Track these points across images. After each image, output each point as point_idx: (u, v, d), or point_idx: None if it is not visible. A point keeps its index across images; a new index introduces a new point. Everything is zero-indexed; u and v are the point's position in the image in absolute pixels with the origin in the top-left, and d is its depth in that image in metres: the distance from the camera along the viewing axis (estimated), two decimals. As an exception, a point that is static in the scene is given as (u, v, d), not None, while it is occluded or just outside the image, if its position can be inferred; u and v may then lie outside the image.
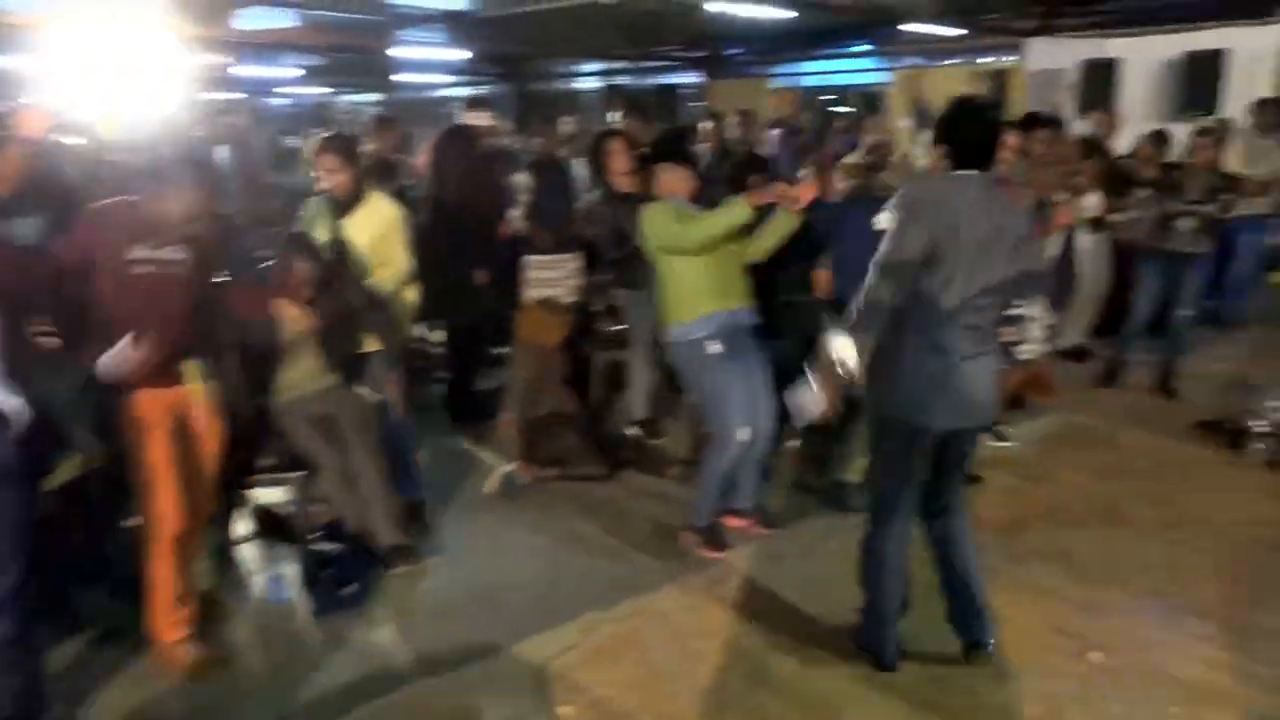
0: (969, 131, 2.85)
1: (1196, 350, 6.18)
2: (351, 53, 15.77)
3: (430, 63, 16.02)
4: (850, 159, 5.59)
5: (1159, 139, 6.92)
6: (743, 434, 3.77)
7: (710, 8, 9.75)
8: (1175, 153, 6.93)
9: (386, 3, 11.63)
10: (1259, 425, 4.79)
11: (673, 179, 3.89)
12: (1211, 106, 9.93)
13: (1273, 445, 4.75)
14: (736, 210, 3.62)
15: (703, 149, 7.57)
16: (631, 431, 5.15)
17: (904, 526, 3.02)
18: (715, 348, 3.75)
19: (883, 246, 2.74)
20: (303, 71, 17.69)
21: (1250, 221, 7.18)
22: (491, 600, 3.60)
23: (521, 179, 5.89)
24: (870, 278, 2.75)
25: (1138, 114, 10.41)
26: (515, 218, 5.87)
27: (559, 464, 4.71)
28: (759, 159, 5.46)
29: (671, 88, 16.37)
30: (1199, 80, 10.24)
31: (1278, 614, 3.37)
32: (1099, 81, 10.96)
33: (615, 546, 4.01)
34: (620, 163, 4.76)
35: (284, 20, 12.74)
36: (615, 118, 6.86)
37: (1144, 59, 11.21)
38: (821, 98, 15.44)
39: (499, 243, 5.55)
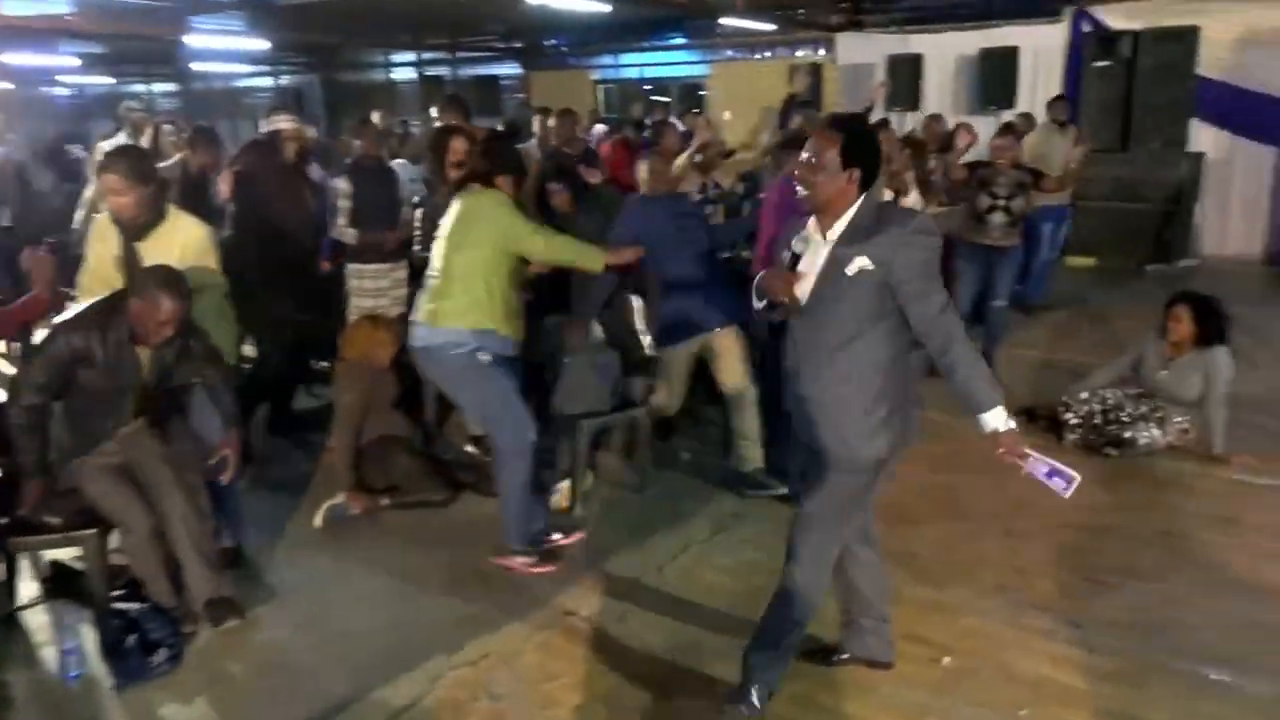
0: (875, 152, 2.67)
1: (1010, 335, 6.51)
2: (138, 40, 14.52)
3: (228, 51, 14.96)
4: (682, 159, 5.53)
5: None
6: (532, 433, 3.71)
7: (528, 0, 9.50)
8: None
9: (175, -13, 10.73)
10: (1070, 416, 5.04)
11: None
12: (1009, 101, 10.53)
13: (1084, 433, 5.01)
14: (590, 257, 3.76)
15: (532, 146, 7.37)
16: (470, 449, 4.90)
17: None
18: (486, 356, 3.65)
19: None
20: (79, 61, 16.13)
21: (1050, 211, 7.66)
22: (326, 652, 3.30)
23: (341, 184, 5.49)
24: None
25: (944, 106, 10.98)
26: (337, 226, 5.49)
27: (393, 491, 4.40)
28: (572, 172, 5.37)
29: (492, 79, 15.98)
30: (995, 76, 10.84)
31: (1110, 602, 3.52)
32: (905, 76, 11.43)
33: (458, 580, 3.76)
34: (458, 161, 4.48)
35: (57, 5, 11.54)
36: (434, 110, 6.49)
37: (944, 55, 11.80)
38: (645, 89, 15.47)
39: (314, 256, 5.18)
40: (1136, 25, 10.01)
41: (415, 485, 4.41)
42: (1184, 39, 9.59)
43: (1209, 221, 10.53)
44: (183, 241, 3.58)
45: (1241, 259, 10.32)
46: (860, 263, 2.53)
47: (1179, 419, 4.97)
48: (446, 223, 3.71)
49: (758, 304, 2.72)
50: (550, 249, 3.71)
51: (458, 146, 4.47)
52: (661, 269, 4.38)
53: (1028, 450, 2.55)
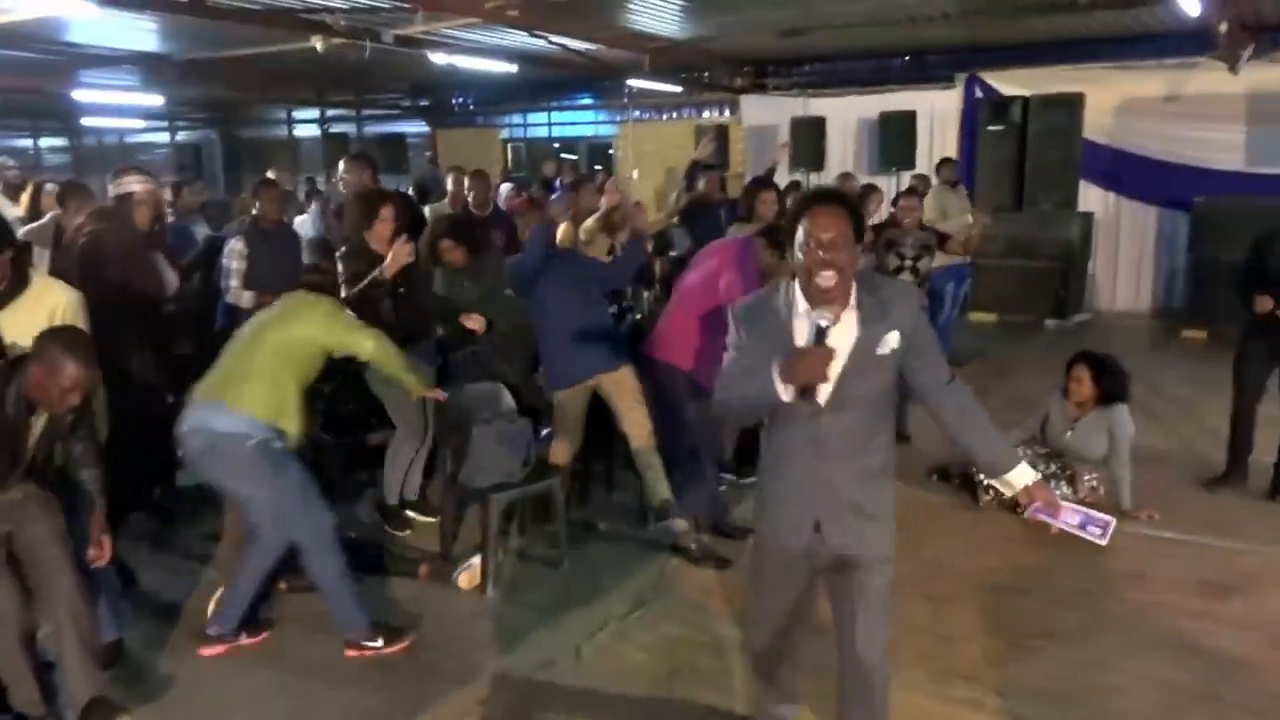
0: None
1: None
2: (22, 94, 13.92)
3: (121, 106, 14.46)
4: (590, 221, 5.45)
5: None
6: (331, 519, 3.60)
7: (435, 59, 9.42)
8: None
9: (64, 41, 10.30)
10: (983, 476, 5.06)
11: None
12: (909, 162, 10.85)
13: (998, 493, 5.02)
14: (410, 382, 3.82)
15: (444, 205, 7.24)
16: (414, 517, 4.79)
17: None
18: (279, 444, 3.49)
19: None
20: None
21: (952, 271, 7.84)
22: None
23: (236, 245, 5.23)
24: None
25: (847, 167, 11.26)
26: (231, 288, 5.22)
27: (288, 575, 4.11)
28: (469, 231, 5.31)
29: (399, 136, 15.80)
30: (895, 138, 11.18)
31: (1034, 668, 3.47)
32: (809, 137, 11.70)
33: (358, 671, 3.51)
34: (386, 230, 4.43)
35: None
36: (341, 167, 6.26)
37: (846, 117, 12.15)
38: (555, 147, 15.50)
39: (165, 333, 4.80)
40: (1026, 92, 10.47)
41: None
42: (1070, 105, 10.07)
43: (1100, 278, 11.01)
44: (50, 308, 3.30)
45: (1131, 313, 10.80)
46: (891, 340, 2.35)
47: (1088, 476, 5.05)
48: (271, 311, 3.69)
49: (785, 392, 2.28)
50: (380, 351, 3.68)
51: (385, 215, 4.42)
52: (554, 313, 4.40)
53: (1061, 502, 2.53)
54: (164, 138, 19.09)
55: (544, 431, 4.51)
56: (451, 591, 4.06)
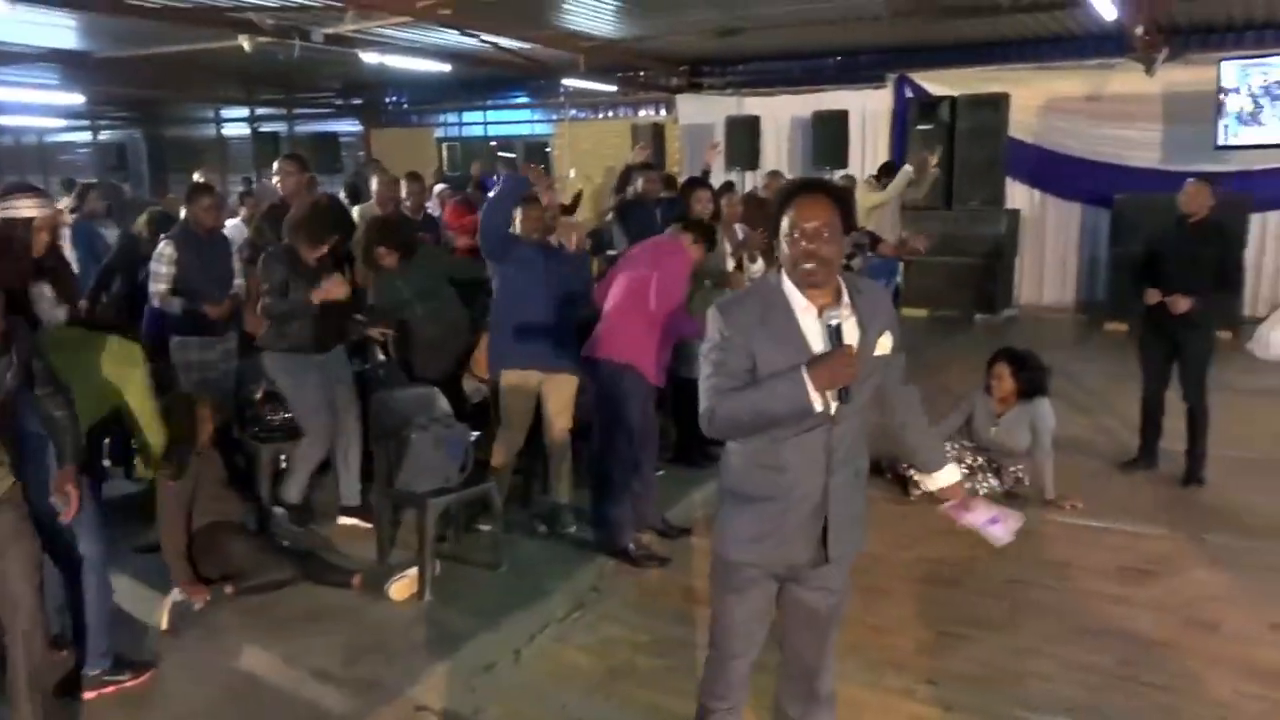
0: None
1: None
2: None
3: (37, 105, 14.01)
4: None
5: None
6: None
7: (366, 59, 9.31)
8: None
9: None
10: (913, 471, 5.18)
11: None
12: (841, 161, 11.01)
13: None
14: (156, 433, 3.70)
15: (372, 205, 7.14)
16: (346, 522, 4.82)
17: None
18: None
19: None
20: None
21: (880, 267, 8.00)
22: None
23: (166, 249, 5.09)
24: None
25: (781, 165, 11.39)
26: (159, 293, 5.08)
27: (234, 579, 4.06)
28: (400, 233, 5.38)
29: (332, 135, 15.56)
30: (827, 137, 11.33)
31: (964, 656, 3.57)
32: (743, 136, 11.81)
33: (302, 675, 3.47)
34: (323, 253, 4.59)
35: None
36: (275, 167, 6.15)
37: (780, 117, 12.29)
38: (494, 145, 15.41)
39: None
40: (953, 91, 10.70)
41: (257, 569, 4.09)
42: (996, 104, 10.33)
43: (1026, 273, 11.30)
44: None
45: (1057, 307, 11.11)
46: (885, 342, 2.31)
47: (1013, 468, 5.20)
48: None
49: (819, 400, 2.18)
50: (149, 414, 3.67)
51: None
52: (523, 294, 4.49)
53: (974, 500, 2.63)
54: (86, 136, 18.54)
55: (474, 435, 4.48)
56: (387, 599, 4.03)
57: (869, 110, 11.67)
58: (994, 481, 5.16)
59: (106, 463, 5.40)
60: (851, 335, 2.24)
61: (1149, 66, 9.23)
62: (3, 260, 3.35)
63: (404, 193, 6.82)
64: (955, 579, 4.23)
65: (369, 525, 4.64)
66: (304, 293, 4.48)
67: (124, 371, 3.53)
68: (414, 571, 4.05)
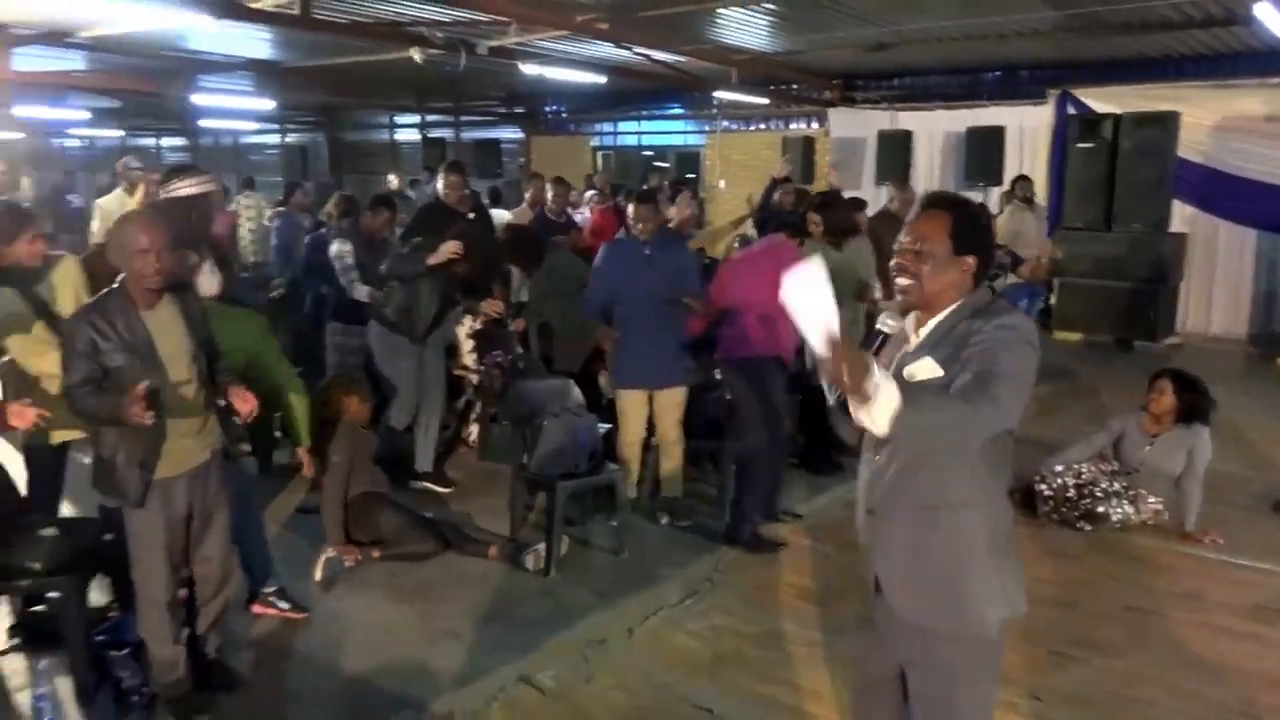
0: (988, 234, 2.25)
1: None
2: (148, 96, 14.85)
3: (235, 110, 15.30)
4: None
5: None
6: None
7: (526, 70, 9.78)
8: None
9: (184, 49, 11.03)
10: (1044, 488, 5.12)
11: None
12: (996, 178, 10.78)
13: (1057, 506, 5.07)
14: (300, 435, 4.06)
15: (523, 210, 7.58)
16: (419, 485, 5.26)
17: None
18: None
19: None
20: (89, 115, 16.45)
21: (1024, 288, 7.86)
22: (295, 705, 3.33)
23: (343, 247, 5.57)
24: None
25: (933, 182, 11.26)
26: (353, 282, 5.54)
27: (381, 545, 4.45)
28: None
29: (494, 142, 16.32)
30: (982, 153, 11.11)
31: (1072, 676, 3.55)
32: (895, 151, 11.72)
33: (430, 635, 3.79)
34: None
35: (69, 61, 11.86)
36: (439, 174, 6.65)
37: (933, 131, 12.13)
38: (647, 154, 15.81)
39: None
40: (1118, 109, 10.30)
41: (404, 538, 4.47)
42: (1164, 123, 9.86)
43: (1193, 300, 10.73)
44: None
45: (1226, 338, 10.50)
46: (925, 365, 2.02)
47: (1153, 499, 5.04)
48: None
49: (830, 396, 2.12)
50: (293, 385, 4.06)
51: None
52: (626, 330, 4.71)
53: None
54: (275, 139, 20.06)
55: (605, 426, 4.75)
56: (517, 571, 4.33)
57: (1027, 127, 11.36)
58: (1129, 509, 5.01)
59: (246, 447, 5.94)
60: (893, 350, 2.10)
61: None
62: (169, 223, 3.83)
63: (549, 196, 7.22)
64: (1073, 602, 4.17)
65: (443, 490, 5.23)
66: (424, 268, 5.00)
67: (258, 344, 3.92)
68: (543, 548, 4.33)
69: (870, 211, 7.12)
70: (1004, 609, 2.09)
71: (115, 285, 3.02)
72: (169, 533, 3.10)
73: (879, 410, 1.77)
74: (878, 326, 2.05)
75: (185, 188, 4.07)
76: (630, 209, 4.85)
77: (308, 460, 4.17)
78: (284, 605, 3.90)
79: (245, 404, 3.17)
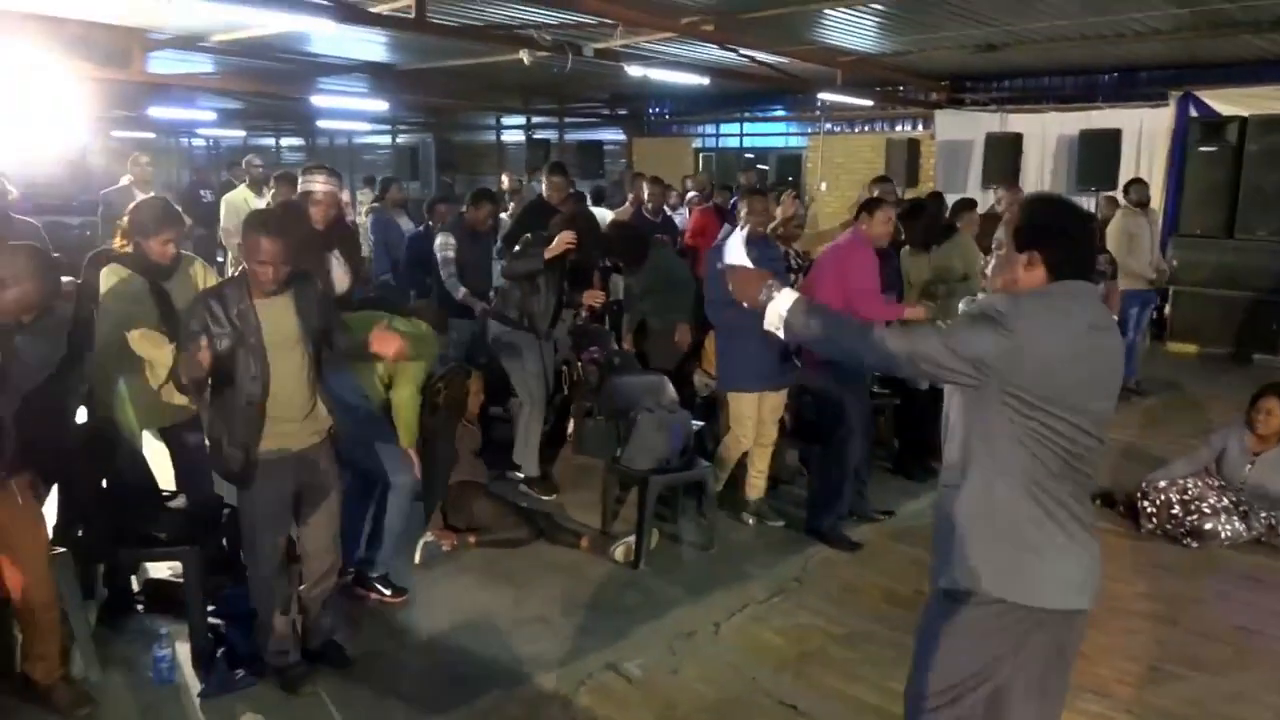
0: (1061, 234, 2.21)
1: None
2: (269, 99, 15.57)
3: (350, 111, 15.88)
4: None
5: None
6: None
7: (631, 72, 9.89)
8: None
9: (305, 52, 11.52)
10: (1147, 504, 4.96)
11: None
12: (1111, 182, 10.41)
13: (1161, 522, 4.91)
14: (408, 429, 4.02)
15: (626, 208, 7.70)
16: (524, 489, 5.26)
17: None
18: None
19: None
20: (214, 115, 17.32)
21: (1136, 295, 7.59)
22: (392, 680, 3.48)
23: (447, 240, 5.78)
24: None
25: (1044, 185, 10.95)
26: (448, 279, 5.73)
27: (477, 531, 4.61)
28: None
29: (597, 143, 16.53)
30: (1096, 156, 10.74)
31: (1171, 692, 3.46)
32: (1004, 154, 11.43)
33: (521, 621, 3.91)
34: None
35: (199, 64, 12.53)
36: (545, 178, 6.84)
37: (1045, 134, 11.79)
38: (748, 157, 15.80)
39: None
40: (1244, 111, 9.85)
41: (499, 525, 4.62)
42: (1294, 126, 9.39)
43: (1321, 314, 10.16)
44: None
45: (1356, 354, 9.91)
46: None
47: (1265, 514, 4.85)
48: None
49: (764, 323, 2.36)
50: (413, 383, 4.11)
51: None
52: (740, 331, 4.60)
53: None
54: (386, 140, 20.71)
55: (698, 424, 4.80)
56: (607, 563, 4.42)
57: (1145, 129, 10.94)
58: (1239, 526, 4.82)
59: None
60: None
61: None
62: (298, 222, 4.15)
63: (646, 194, 7.33)
64: (1176, 618, 4.04)
65: (546, 498, 5.20)
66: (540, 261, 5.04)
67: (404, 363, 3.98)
68: (632, 540, 4.42)
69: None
70: (996, 588, 2.14)
71: (238, 273, 3.23)
72: (274, 509, 3.28)
73: (771, 313, 2.24)
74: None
75: (320, 185, 4.33)
76: (743, 205, 4.78)
77: (414, 459, 4.08)
78: (386, 592, 4.06)
79: (388, 345, 3.31)
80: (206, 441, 3.37)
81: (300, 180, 4.46)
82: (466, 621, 3.92)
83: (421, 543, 4.48)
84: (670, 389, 4.80)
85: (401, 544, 4.13)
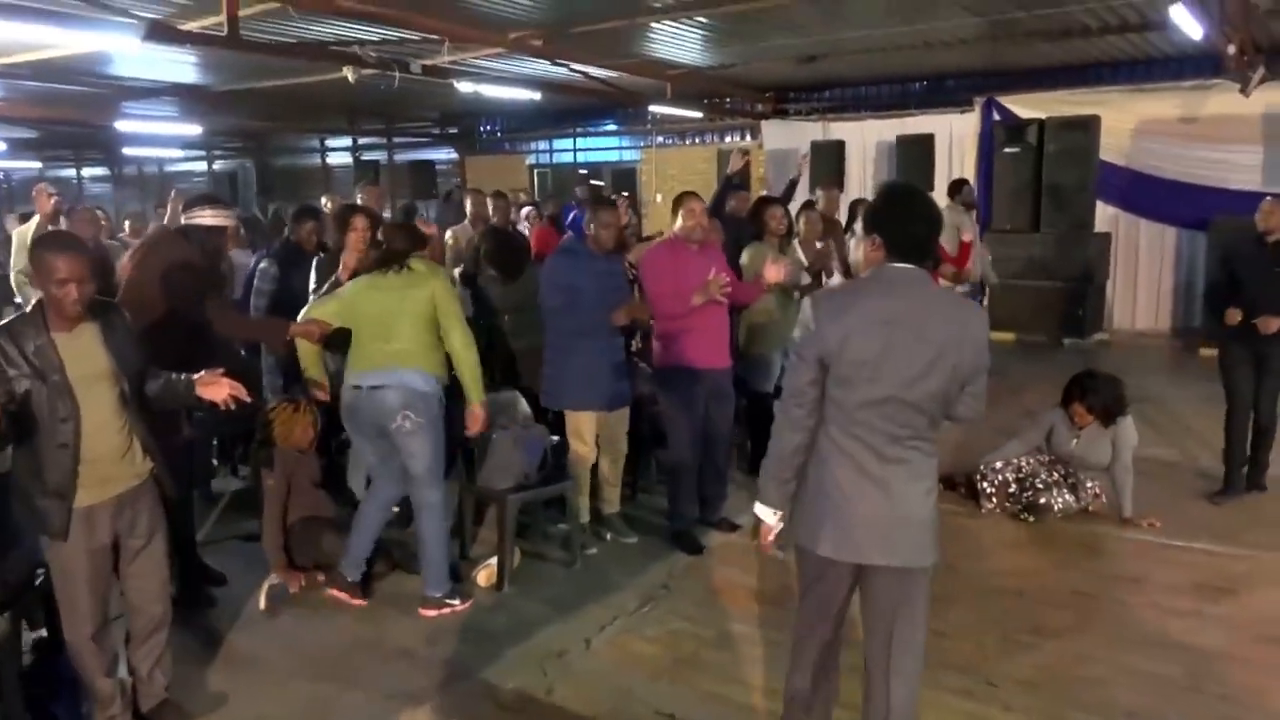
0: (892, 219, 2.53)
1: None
2: (68, 126, 14.47)
3: (160, 136, 14.98)
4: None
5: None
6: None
7: (461, 88, 9.74)
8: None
9: (108, 74, 10.77)
10: (986, 485, 5.22)
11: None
12: (928, 184, 10.98)
13: (1000, 500, 5.17)
14: (479, 390, 4.03)
15: (465, 226, 7.49)
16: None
17: None
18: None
19: None
20: (3, 145, 15.93)
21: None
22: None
23: (268, 267, 5.44)
24: None
25: (865, 189, 11.47)
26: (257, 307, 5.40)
27: (326, 569, 4.34)
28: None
29: (428, 163, 16.21)
30: (913, 160, 11.35)
31: (1024, 661, 3.62)
32: (828, 160, 11.90)
33: (385, 656, 3.71)
34: (356, 239, 4.62)
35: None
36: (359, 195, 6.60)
37: (865, 140, 12.37)
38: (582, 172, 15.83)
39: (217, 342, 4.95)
40: (1041, 114, 10.62)
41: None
42: (1086, 127, 10.20)
43: (1118, 298, 11.08)
44: None
45: (1151, 333, 10.86)
46: None
47: (1090, 484, 5.18)
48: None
49: None
50: (464, 349, 4.05)
51: (358, 225, 4.65)
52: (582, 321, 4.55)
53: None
54: (201, 166, 19.67)
55: (554, 438, 4.69)
56: (470, 587, 4.26)
57: (955, 133, 11.66)
58: (1069, 498, 5.14)
59: (215, 461, 5.83)
60: None
61: (1244, 86, 9.01)
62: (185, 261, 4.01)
63: (490, 210, 7.16)
64: (1022, 590, 4.25)
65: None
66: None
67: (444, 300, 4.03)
68: (494, 562, 4.28)
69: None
70: (800, 534, 2.56)
71: (31, 306, 2.92)
72: (92, 563, 2.97)
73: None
74: None
75: (205, 218, 4.15)
76: (592, 216, 4.63)
77: (479, 416, 4.05)
78: (454, 602, 4.06)
79: (216, 391, 3.04)
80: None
81: (192, 211, 4.20)
82: (325, 663, 3.69)
83: (267, 585, 4.20)
84: (523, 404, 4.69)
85: (444, 556, 4.10)
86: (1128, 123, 10.55)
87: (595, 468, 4.84)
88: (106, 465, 2.93)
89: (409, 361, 3.92)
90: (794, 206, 7.00)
